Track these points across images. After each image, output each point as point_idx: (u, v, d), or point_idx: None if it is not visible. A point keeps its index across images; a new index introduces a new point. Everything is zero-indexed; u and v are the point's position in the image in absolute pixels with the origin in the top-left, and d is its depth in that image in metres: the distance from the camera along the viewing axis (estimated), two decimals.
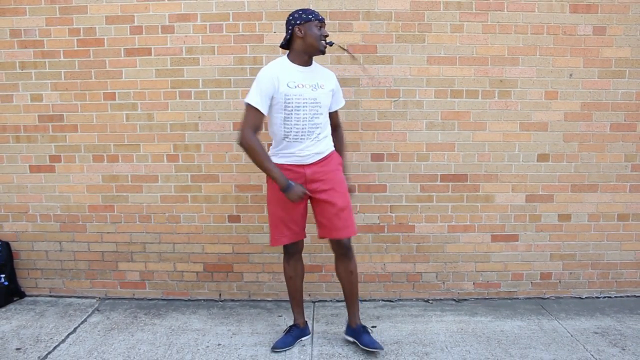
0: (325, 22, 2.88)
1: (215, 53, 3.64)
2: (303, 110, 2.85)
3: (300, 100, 2.84)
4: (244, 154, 3.69)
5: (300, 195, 2.88)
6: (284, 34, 3.55)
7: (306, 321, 3.32)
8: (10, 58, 3.68)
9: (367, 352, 3.07)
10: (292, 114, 2.85)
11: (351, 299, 3.16)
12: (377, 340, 3.09)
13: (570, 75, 3.65)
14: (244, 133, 2.85)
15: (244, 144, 2.86)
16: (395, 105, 3.65)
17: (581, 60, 3.64)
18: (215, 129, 3.71)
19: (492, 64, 3.63)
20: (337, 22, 3.57)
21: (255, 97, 2.83)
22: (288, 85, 2.82)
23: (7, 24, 3.63)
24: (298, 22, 2.84)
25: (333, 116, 3.11)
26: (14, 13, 3.62)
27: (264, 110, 2.85)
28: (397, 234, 3.82)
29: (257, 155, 2.86)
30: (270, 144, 3.08)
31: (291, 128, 2.87)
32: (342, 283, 3.14)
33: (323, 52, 2.89)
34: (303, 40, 2.84)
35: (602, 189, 3.79)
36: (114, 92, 3.70)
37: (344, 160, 3.16)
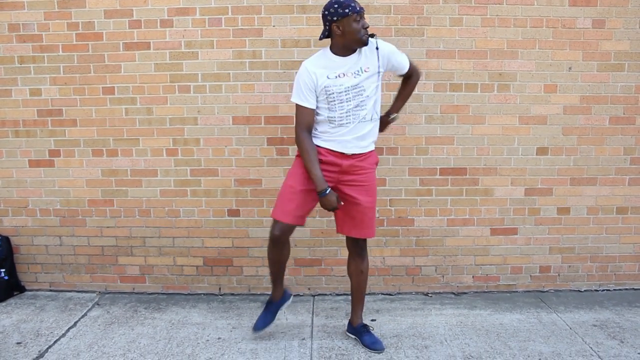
0: (362, 11, 2.73)
1: (214, 47, 3.63)
2: (347, 99, 2.79)
3: (342, 90, 2.78)
4: (243, 148, 3.71)
5: (333, 206, 2.85)
6: (282, 28, 3.59)
7: (284, 289, 3.24)
8: (8, 52, 3.67)
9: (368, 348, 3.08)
10: (335, 104, 2.80)
11: (358, 297, 3.18)
12: (379, 339, 3.10)
13: (570, 68, 3.65)
14: (296, 132, 2.87)
15: (297, 143, 2.88)
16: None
17: (580, 53, 3.64)
18: (214, 123, 3.71)
19: (491, 58, 3.63)
20: None
21: (300, 95, 2.82)
22: (328, 77, 2.78)
23: (6, 18, 3.62)
24: (335, 18, 2.70)
25: (408, 73, 3.01)
26: (13, 7, 3.60)
27: (311, 105, 2.82)
28: (396, 227, 3.82)
29: (304, 155, 2.84)
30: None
31: (335, 116, 2.83)
32: (352, 281, 3.15)
33: (366, 44, 2.77)
34: (343, 36, 2.73)
35: (601, 182, 3.79)
36: (113, 87, 3.69)
37: (403, 103, 3.15)
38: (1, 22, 3.63)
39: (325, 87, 2.78)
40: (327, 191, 2.82)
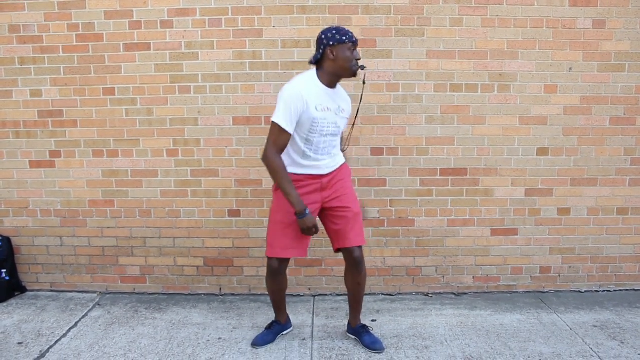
0: (357, 42, 2.76)
1: (215, 48, 3.63)
2: (326, 133, 2.81)
3: (325, 124, 2.79)
4: (243, 149, 3.71)
5: (310, 227, 2.81)
6: (282, 28, 3.59)
7: (288, 316, 3.33)
8: (9, 53, 3.68)
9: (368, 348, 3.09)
10: (314, 136, 2.80)
11: (355, 305, 3.18)
12: (379, 339, 3.11)
13: (570, 69, 3.65)
14: (267, 152, 2.76)
15: (267, 163, 2.78)
16: (396, 100, 3.64)
17: (581, 53, 3.63)
18: (214, 124, 3.71)
19: (491, 58, 3.63)
20: (337, 16, 3.57)
21: (285, 118, 2.70)
22: (316, 109, 2.74)
23: (6, 20, 3.63)
24: (331, 42, 2.71)
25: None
26: (13, 8, 3.61)
27: (291, 131, 2.73)
28: (396, 228, 3.82)
29: (278, 177, 2.76)
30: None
31: (311, 147, 2.83)
32: (348, 291, 3.15)
33: (355, 75, 2.79)
34: (334, 62, 2.73)
35: (601, 183, 3.79)
36: (114, 87, 3.70)
37: None
38: (1, 24, 3.64)
39: (313, 118, 2.74)
40: (307, 211, 2.78)
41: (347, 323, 3.29)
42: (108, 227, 3.88)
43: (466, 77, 3.65)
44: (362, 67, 2.80)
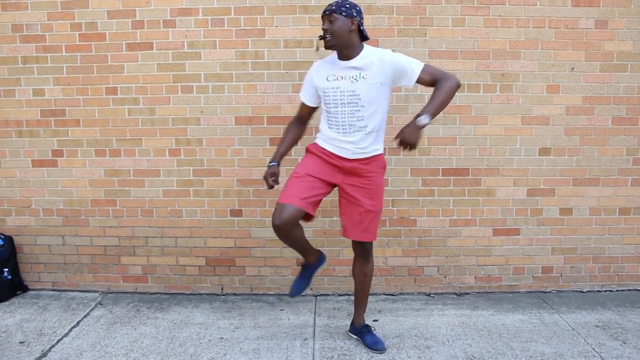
0: (327, 12, 2.72)
1: (217, 47, 3.64)
2: (341, 104, 2.78)
3: (337, 94, 2.78)
4: (245, 149, 3.71)
5: (265, 176, 2.95)
6: (285, 28, 3.61)
7: (319, 251, 3.13)
8: (12, 53, 3.68)
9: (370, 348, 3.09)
10: (330, 107, 2.82)
11: (360, 299, 3.17)
12: (381, 339, 3.11)
13: (572, 69, 3.65)
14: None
15: None
16: (398, 100, 3.65)
17: (583, 53, 3.63)
18: (217, 124, 3.72)
19: (493, 58, 3.63)
20: None
21: (302, 89, 3.00)
22: (327, 79, 2.80)
23: (9, 19, 3.63)
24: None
25: (425, 79, 2.76)
26: (16, 8, 3.62)
27: (305, 100, 2.98)
28: (398, 228, 3.82)
29: (285, 129, 3.07)
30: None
31: (331, 120, 2.83)
32: (355, 282, 3.14)
33: (325, 47, 2.75)
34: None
35: (603, 183, 3.79)
36: (116, 87, 3.70)
37: (436, 105, 2.73)
38: (4, 23, 3.64)
39: (322, 88, 2.82)
40: (269, 164, 2.97)
41: (349, 323, 3.28)
42: (110, 227, 3.88)
43: (468, 77, 3.65)
44: (321, 37, 2.76)
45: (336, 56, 2.83)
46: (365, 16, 3.54)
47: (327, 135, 2.88)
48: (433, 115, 2.68)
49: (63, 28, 3.64)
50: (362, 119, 2.78)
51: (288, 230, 2.78)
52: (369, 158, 2.87)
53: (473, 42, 3.61)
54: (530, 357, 2.97)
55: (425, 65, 2.76)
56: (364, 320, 3.22)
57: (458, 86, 2.77)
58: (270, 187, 2.94)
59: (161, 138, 3.75)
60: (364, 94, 2.75)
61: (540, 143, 3.73)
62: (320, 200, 2.88)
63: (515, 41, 3.61)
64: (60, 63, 3.68)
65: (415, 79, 2.76)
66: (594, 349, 3.06)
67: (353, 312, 3.25)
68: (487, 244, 3.86)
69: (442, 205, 3.80)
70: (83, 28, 3.63)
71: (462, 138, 3.72)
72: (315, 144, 2.95)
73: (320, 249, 3.77)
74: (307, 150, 2.98)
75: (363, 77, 2.74)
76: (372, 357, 2.98)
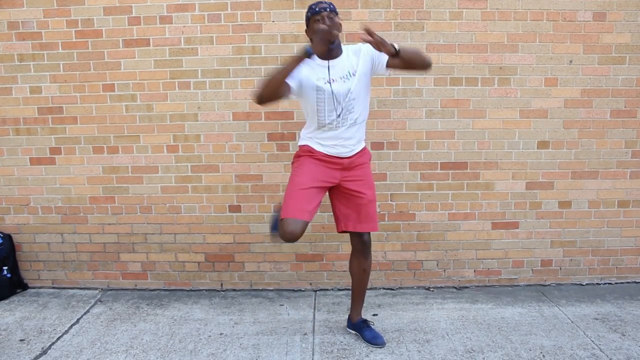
0: (323, 11, 2.70)
1: (214, 43, 3.63)
2: (336, 104, 2.78)
3: (332, 95, 2.77)
4: (243, 144, 3.71)
5: (322, 29, 2.61)
6: (282, 23, 3.60)
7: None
8: (8, 50, 3.67)
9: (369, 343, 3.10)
10: (324, 107, 2.80)
11: (358, 295, 3.18)
12: (380, 334, 3.11)
13: (570, 61, 3.64)
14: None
15: (258, 94, 2.71)
16: (396, 94, 3.64)
17: (581, 46, 3.62)
18: (214, 119, 3.71)
19: (491, 51, 3.62)
20: None
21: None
22: (317, 81, 2.77)
23: (5, 16, 3.62)
24: (307, 23, 2.81)
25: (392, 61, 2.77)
26: (12, 5, 3.60)
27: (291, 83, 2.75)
28: (397, 222, 3.82)
29: (269, 80, 2.68)
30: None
31: (325, 121, 2.82)
32: (353, 278, 3.14)
33: (331, 42, 2.67)
34: (312, 40, 2.72)
35: (602, 176, 3.79)
36: (113, 84, 3.69)
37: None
38: (0, 20, 3.63)
39: (317, 89, 2.76)
40: (306, 48, 2.66)
41: (347, 318, 3.28)
42: (109, 224, 3.88)
43: (466, 71, 3.64)
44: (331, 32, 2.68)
45: (317, 58, 2.78)
46: (362, 10, 3.56)
47: (320, 137, 2.88)
48: (402, 49, 2.65)
49: (59, 25, 3.62)
50: (354, 112, 2.83)
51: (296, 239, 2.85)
52: (361, 151, 2.95)
53: (471, 35, 3.60)
54: (530, 350, 2.97)
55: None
56: (361, 316, 3.22)
57: (429, 64, 2.83)
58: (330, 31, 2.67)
59: (159, 134, 3.75)
60: (355, 88, 2.79)
61: (539, 136, 3.73)
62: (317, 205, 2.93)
63: (513, 34, 3.60)
64: (57, 60, 3.67)
65: (385, 61, 2.78)
66: (593, 341, 3.06)
67: (350, 308, 3.25)
68: (486, 238, 3.86)
69: (441, 199, 3.80)
70: (79, 25, 3.62)
71: (461, 132, 3.71)
72: (308, 147, 2.92)
73: (319, 244, 3.81)
74: (301, 156, 2.94)
75: (352, 74, 2.79)
76: (371, 352, 2.99)
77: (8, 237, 3.86)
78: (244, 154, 3.74)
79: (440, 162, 3.75)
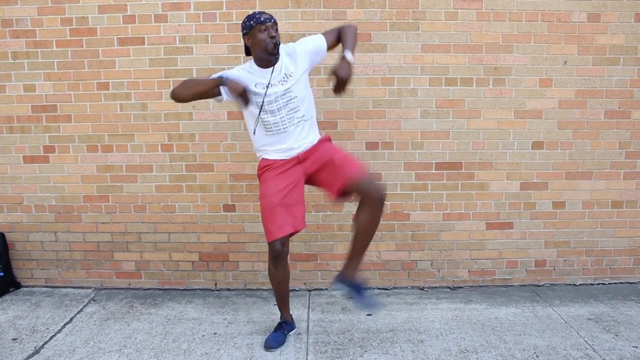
0: (268, 21, 2.77)
1: (209, 42, 3.62)
2: (277, 107, 2.83)
3: (272, 99, 2.82)
4: (238, 143, 3.71)
5: (239, 86, 2.71)
6: (279, 22, 3.57)
7: (292, 315, 3.25)
8: (2, 48, 3.65)
9: (363, 337, 3.10)
10: (267, 113, 2.85)
11: (361, 249, 2.93)
12: (374, 299, 3.03)
13: (565, 62, 3.65)
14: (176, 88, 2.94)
15: (173, 95, 2.92)
16: (391, 94, 3.64)
17: (575, 47, 3.63)
18: (209, 118, 3.70)
19: (486, 52, 3.63)
20: (331, 10, 3.56)
21: (219, 73, 2.89)
22: (255, 86, 2.83)
23: None
24: (244, 31, 2.83)
25: (331, 40, 2.95)
26: (5, 2, 3.59)
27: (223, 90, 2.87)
28: (392, 222, 3.82)
29: (186, 86, 2.90)
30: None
31: (271, 125, 2.87)
32: (360, 229, 2.85)
33: (272, 53, 2.79)
34: (254, 48, 2.83)
35: (596, 177, 3.80)
36: (108, 82, 3.68)
37: (349, 45, 2.87)
38: None
39: (253, 94, 2.81)
40: (223, 76, 2.79)
41: (343, 318, 3.27)
42: (103, 223, 3.87)
43: (461, 71, 3.64)
44: (277, 43, 2.79)
45: (255, 65, 2.88)
46: (357, 10, 3.57)
47: (269, 145, 2.93)
48: (353, 51, 2.85)
49: (53, 23, 3.61)
50: (298, 110, 2.88)
51: (284, 258, 2.96)
52: (314, 146, 2.96)
53: (466, 35, 3.61)
54: (524, 350, 2.98)
55: (322, 34, 2.98)
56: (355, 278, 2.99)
57: (356, 28, 2.99)
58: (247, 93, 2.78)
59: (153, 133, 3.74)
60: (295, 89, 2.86)
61: (533, 137, 3.73)
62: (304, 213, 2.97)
63: (508, 35, 3.61)
64: (51, 58, 3.66)
65: (325, 47, 2.94)
66: (586, 341, 3.07)
67: (345, 264, 2.97)
68: (480, 238, 3.86)
69: (435, 200, 3.80)
70: (74, 23, 3.61)
71: (455, 132, 3.72)
72: (264, 161, 2.97)
73: (314, 243, 3.80)
74: (261, 175, 2.98)
75: (290, 76, 2.85)
76: (365, 351, 2.99)
77: (1, 236, 3.84)
78: (238, 153, 3.73)
79: (435, 162, 3.75)
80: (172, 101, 3.62)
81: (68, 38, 3.63)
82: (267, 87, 2.82)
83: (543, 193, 3.81)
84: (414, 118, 3.69)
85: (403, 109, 3.68)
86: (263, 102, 2.82)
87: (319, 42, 2.94)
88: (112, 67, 3.66)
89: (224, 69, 3.58)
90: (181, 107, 3.68)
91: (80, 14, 3.60)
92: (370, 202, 2.78)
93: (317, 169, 2.93)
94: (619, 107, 3.71)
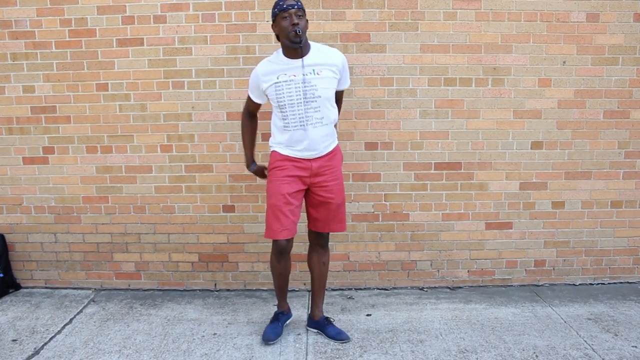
0: (291, 8, 2.74)
1: (208, 43, 3.62)
2: (297, 100, 2.83)
3: (292, 90, 2.82)
4: (237, 144, 3.70)
5: (257, 172, 3.21)
6: None
7: (289, 305, 3.32)
8: (1, 49, 3.65)
9: (363, 338, 3.11)
10: (285, 104, 2.84)
11: (319, 291, 3.23)
12: (343, 330, 3.14)
13: (564, 62, 3.65)
14: (242, 116, 3.16)
15: (241, 126, 3.18)
16: (390, 94, 3.64)
17: (574, 47, 3.63)
18: (208, 119, 3.70)
19: (485, 52, 3.63)
20: (330, 10, 3.56)
21: (249, 90, 3.02)
22: (278, 78, 2.83)
23: None
24: (272, 20, 2.85)
25: (338, 94, 3.06)
26: (4, 3, 3.58)
27: (254, 98, 3.02)
28: (391, 222, 3.83)
29: (242, 136, 3.19)
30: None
31: (289, 121, 2.87)
32: (313, 274, 3.20)
33: (294, 41, 2.76)
34: (280, 35, 2.83)
35: (595, 177, 3.80)
36: (107, 83, 3.68)
37: None
38: None
39: (275, 86, 2.85)
40: (251, 168, 3.20)
41: (342, 318, 3.28)
42: (102, 224, 3.87)
43: (460, 71, 3.65)
44: (298, 31, 2.76)
45: (282, 55, 2.88)
46: (356, 10, 3.57)
47: (287, 140, 2.93)
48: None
49: (52, 24, 3.61)
50: (319, 110, 2.87)
51: (288, 254, 3.03)
52: (331, 152, 2.99)
53: (465, 36, 3.61)
54: (523, 350, 2.98)
55: (345, 88, 3.11)
56: (323, 313, 3.24)
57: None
58: (266, 176, 3.11)
59: (153, 134, 3.74)
60: (320, 87, 2.85)
61: (533, 137, 3.73)
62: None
63: (507, 35, 3.61)
64: (50, 59, 3.66)
65: (343, 88, 3.06)
66: (586, 341, 3.07)
67: (311, 306, 3.27)
68: (479, 238, 3.86)
69: (434, 200, 3.80)
70: (73, 24, 3.61)
71: (455, 132, 3.72)
72: (276, 155, 2.99)
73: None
74: (272, 168, 3.00)
75: (317, 73, 2.84)
76: (365, 352, 2.99)
77: (1, 237, 3.84)
78: (237, 153, 3.73)
79: (434, 163, 3.76)
80: (171, 102, 3.68)
81: (67, 39, 3.63)
82: (291, 77, 2.83)
83: (542, 193, 3.81)
84: (413, 118, 3.69)
85: (402, 109, 3.68)
86: (284, 92, 2.83)
87: (347, 79, 3.05)
88: (111, 68, 3.66)
89: (223, 70, 3.61)
90: (180, 108, 3.68)
91: (79, 15, 3.60)
92: (319, 252, 3.17)
93: (316, 194, 3.00)
94: (618, 107, 3.71)
